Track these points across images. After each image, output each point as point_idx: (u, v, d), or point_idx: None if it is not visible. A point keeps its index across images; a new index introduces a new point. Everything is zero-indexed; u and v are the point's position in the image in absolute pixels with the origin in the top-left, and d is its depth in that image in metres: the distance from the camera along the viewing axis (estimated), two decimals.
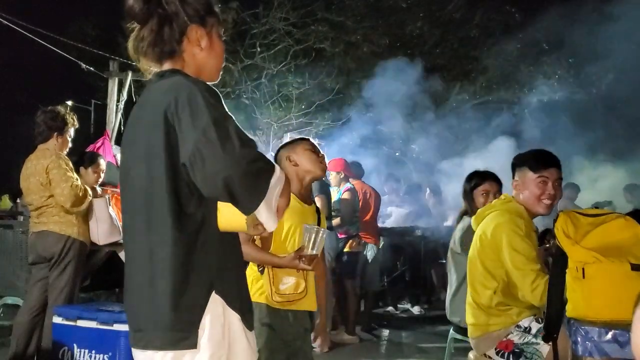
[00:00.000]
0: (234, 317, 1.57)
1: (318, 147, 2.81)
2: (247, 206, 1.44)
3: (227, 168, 1.39)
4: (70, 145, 4.10)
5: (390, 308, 7.31)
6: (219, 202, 1.53)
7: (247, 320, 1.61)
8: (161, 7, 1.58)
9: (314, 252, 2.47)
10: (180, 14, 1.59)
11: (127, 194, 1.61)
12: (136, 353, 1.58)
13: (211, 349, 1.51)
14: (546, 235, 2.96)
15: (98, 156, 4.62)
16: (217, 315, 1.53)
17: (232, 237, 1.63)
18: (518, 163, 2.89)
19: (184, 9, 1.60)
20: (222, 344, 1.53)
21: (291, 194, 2.58)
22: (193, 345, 1.50)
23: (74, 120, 4.08)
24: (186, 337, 1.50)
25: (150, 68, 1.65)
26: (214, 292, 1.53)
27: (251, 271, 2.61)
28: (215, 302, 1.53)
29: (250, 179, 1.42)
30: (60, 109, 4.05)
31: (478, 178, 3.88)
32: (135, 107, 1.65)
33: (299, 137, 2.90)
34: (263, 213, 1.45)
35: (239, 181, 1.39)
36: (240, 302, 1.59)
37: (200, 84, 1.53)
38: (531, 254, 2.69)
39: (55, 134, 3.97)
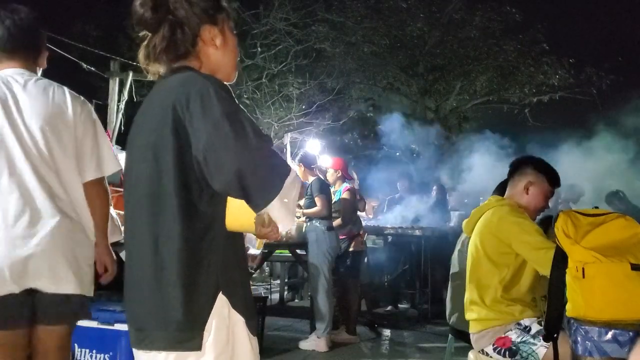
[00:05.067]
0: (239, 320, 1.50)
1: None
2: (258, 201, 1.38)
3: (239, 160, 1.35)
4: None
5: (390, 308, 7.32)
6: (228, 201, 1.48)
7: (251, 325, 1.54)
8: (171, 13, 1.57)
9: None
10: (191, 17, 1.58)
11: (132, 189, 1.54)
12: (137, 353, 1.51)
13: (216, 352, 1.44)
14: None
15: None
16: (223, 317, 1.46)
17: (239, 238, 1.57)
18: (539, 169, 2.91)
19: (193, 11, 1.58)
20: (227, 348, 1.47)
21: None
22: (198, 347, 1.43)
23: None
24: (192, 337, 1.43)
25: (161, 72, 1.62)
26: (220, 293, 1.46)
27: None
28: (222, 303, 1.47)
29: (264, 174, 1.37)
30: None
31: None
32: (144, 102, 1.61)
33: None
34: (276, 210, 1.38)
35: (251, 174, 1.35)
36: (244, 305, 1.52)
37: (212, 78, 1.50)
38: (543, 234, 2.69)
39: None
